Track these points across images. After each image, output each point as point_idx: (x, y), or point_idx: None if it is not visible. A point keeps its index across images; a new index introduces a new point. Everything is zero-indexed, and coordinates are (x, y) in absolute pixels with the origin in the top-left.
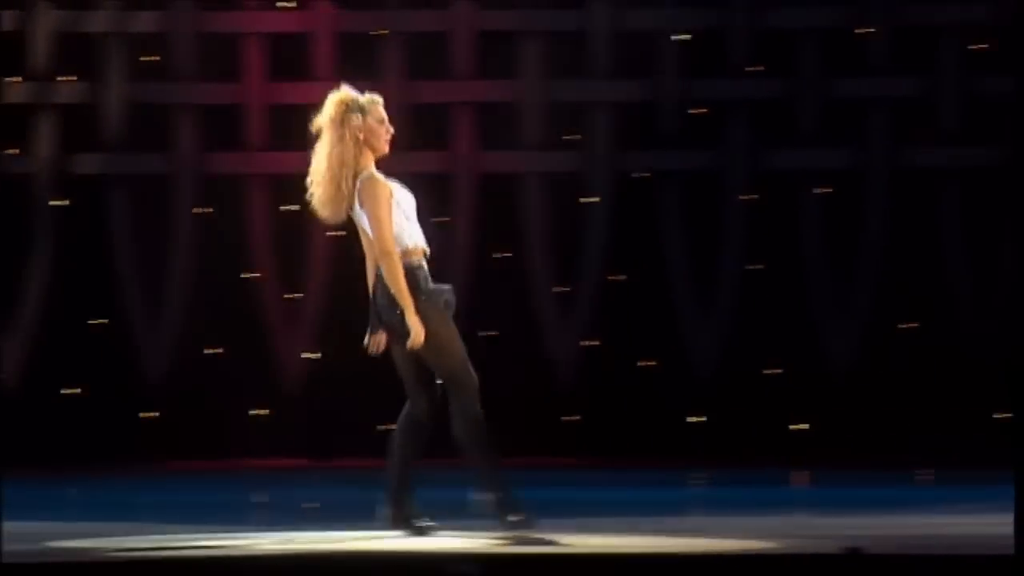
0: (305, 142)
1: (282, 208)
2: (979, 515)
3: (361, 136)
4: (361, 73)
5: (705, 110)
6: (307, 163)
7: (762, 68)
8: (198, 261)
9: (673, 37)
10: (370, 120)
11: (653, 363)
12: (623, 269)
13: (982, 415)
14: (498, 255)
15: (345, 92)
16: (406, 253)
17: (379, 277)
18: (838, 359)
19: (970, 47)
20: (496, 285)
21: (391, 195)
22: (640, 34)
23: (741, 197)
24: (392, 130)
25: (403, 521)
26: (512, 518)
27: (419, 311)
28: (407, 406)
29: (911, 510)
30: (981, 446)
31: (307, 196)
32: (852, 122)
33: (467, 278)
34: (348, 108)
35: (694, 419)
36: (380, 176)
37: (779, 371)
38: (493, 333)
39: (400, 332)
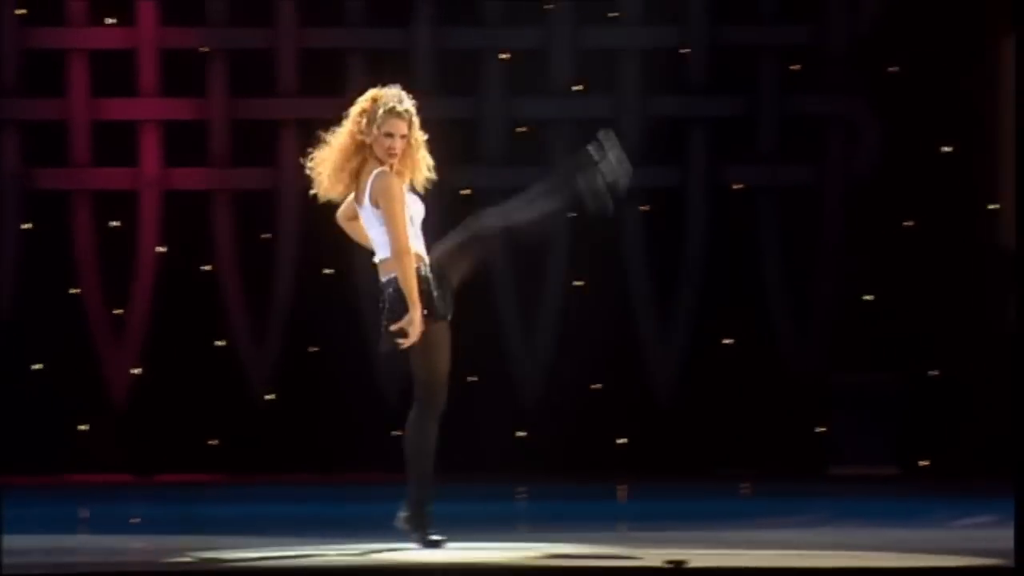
0: (130, 158)
1: (109, 224)
2: (803, 527)
3: (366, 141)
4: (185, 90)
5: (525, 128)
6: (131, 179)
7: (581, 87)
8: (23, 276)
9: (501, 56)
10: (375, 131)
11: (476, 379)
12: None
13: (802, 429)
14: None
15: (376, 92)
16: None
17: (389, 273)
18: (660, 374)
19: (789, 67)
20: (323, 299)
21: (403, 194)
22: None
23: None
24: (398, 146)
25: (418, 528)
26: (433, 536)
27: (423, 314)
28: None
29: (734, 522)
30: (801, 458)
31: (308, 170)
32: (673, 139)
33: (293, 292)
34: (365, 110)
35: (520, 434)
36: (394, 175)
37: (600, 386)
38: (316, 349)
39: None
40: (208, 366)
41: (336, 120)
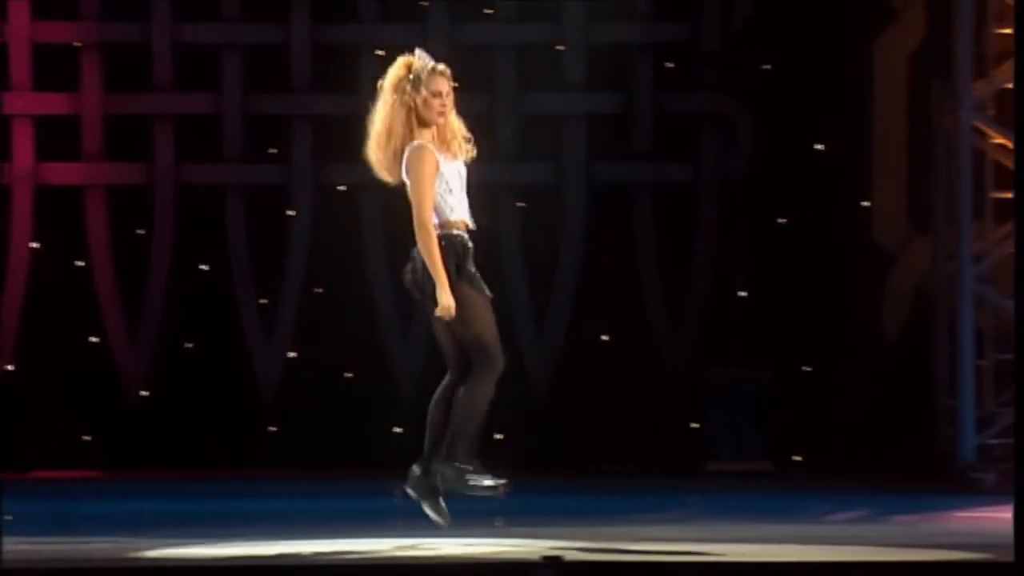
0: (2, 153)
1: None
2: (679, 522)
3: (413, 105)
4: (58, 85)
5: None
6: (3, 174)
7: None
8: None
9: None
10: (424, 91)
11: (352, 375)
12: (325, 281)
13: (677, 425)
14: (202, 267)
15: (409, 58)
16: (446, 225)
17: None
18: (537, 370)
19: (664, 65)
20: (199, 296)
21: (436, 167)
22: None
23: None
24: (448, 104)
25: (427, 490)
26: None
27: (451, 283)
28: (447, 378)
29: (610, 518)
30: (677, 455)
31: (365, 155)
32: (549, 136)
33: (167, 288)
34: (405, 76)
35: (398, 430)
36: (430, 147)
37: None
38: (190, 345)
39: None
40: (81, 362)
41: (213, 117)
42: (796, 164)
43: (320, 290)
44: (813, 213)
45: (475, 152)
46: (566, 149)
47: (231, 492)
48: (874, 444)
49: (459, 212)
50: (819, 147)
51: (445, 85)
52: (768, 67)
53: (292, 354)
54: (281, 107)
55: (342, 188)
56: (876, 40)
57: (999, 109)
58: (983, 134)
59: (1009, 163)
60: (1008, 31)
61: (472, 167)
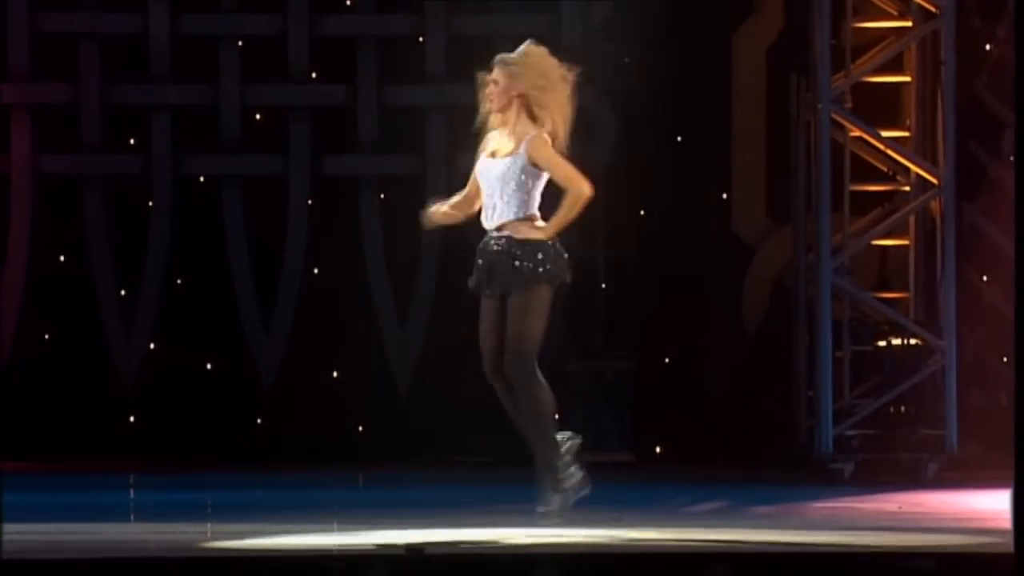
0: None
1: None
2: (533, 516)
3: None
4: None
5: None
6: None
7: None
8: None
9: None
10: None
11: (209, 367)
12: (185, 273)
13: None
14: (60, 257)
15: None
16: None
17: (508, 228)
18: (400, 362)
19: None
20: (57, 288)
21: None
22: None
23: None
24: (485, 95)
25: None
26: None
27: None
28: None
29: (467, 509)
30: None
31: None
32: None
33: (24, 280)
34: None
35: (259, 421)
36: (489, 135)
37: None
38: (49, 335)
39: (516, 281)
40: (77, 352)
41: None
42: (656, 157)
43: (180, 282)
44: (673, 205)
45: (521, 151)
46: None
47: (89, 484)
48: (734, 435)
49: (482, 214)
50: (678, 139)
51: (488, 76)
52: (627, 60)
53: (152, 346)
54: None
55: (201, 180)
56: (735, 32)
57: (857, 102)
58: (841, 127)
59: (867, 156)
60: (866, 24)
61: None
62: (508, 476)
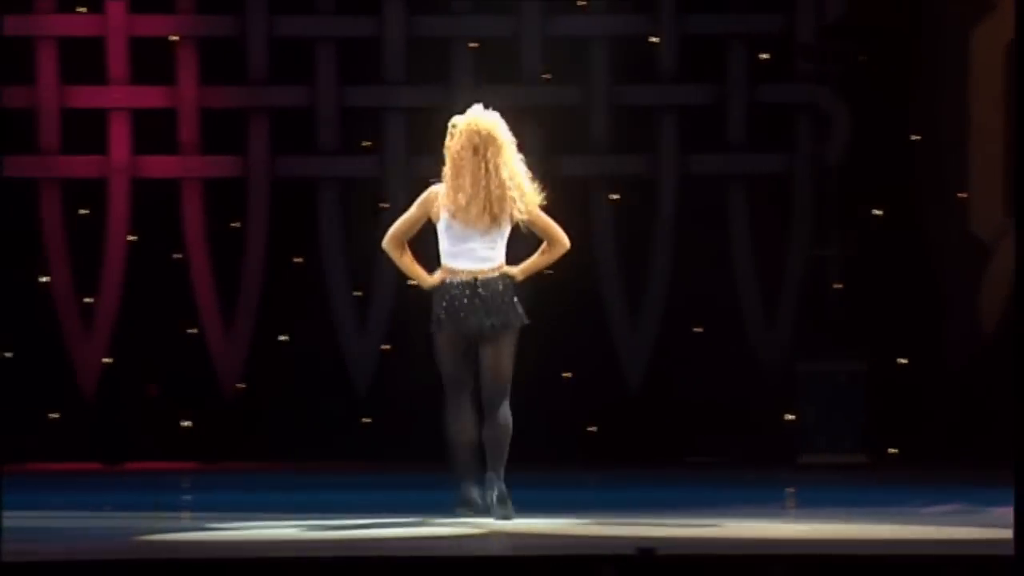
0: (99, 146)
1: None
2: (772, 516)
3: None
4: (154, 78)
5: None
6: (100, 167)
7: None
8: None
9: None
10: None
11: None
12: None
13: (770, 417)
14: (295, 259)
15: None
16: None
17: (493, 272)
18: (630, 362)
19: (757, 56)
20: (291, 289)
21: None
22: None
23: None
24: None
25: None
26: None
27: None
28: (468, 406)
29: (703, 510)
30: (770, 447)
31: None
32: (642, 128)
33: (262, 281)
34: None
35: None
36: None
37: (571, 375)
38: (288, 336)
39: (509, 323)
40: (178, 354)
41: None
42: (891, 155)
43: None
44: (908, 204)
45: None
46: (660, 141)
47: (323, 484)
48: (968, 436)
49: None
50: (915, 138)
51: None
52: (863, 57)
53: (386, 347)
54: (374, 99)
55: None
56: (973, 30)
57: None
58: None
59: None
60: None
61: (564, 160)
62: (737, 476)
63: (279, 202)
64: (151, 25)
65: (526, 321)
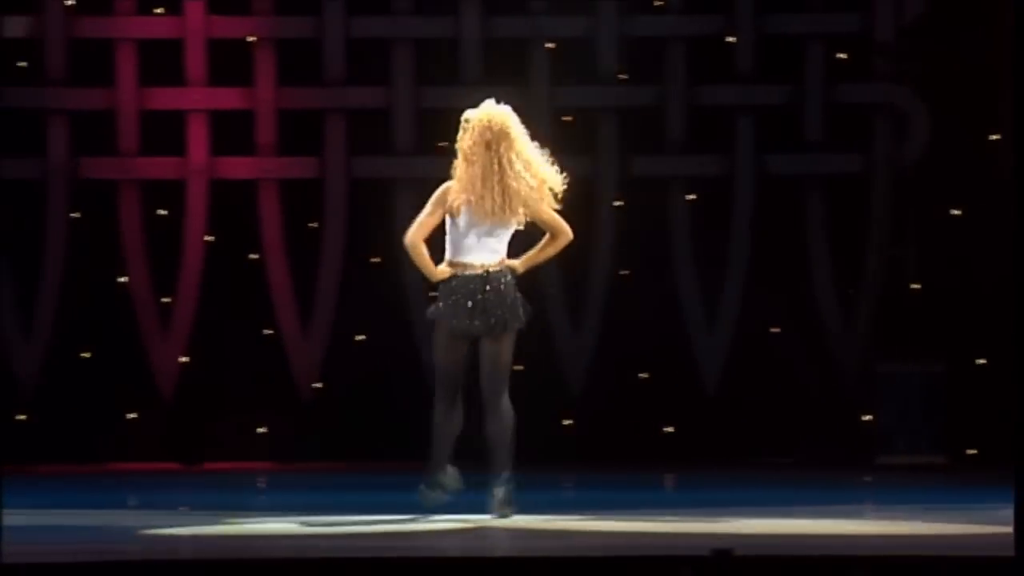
0: (178, 148)
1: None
2: (850, 516)
3: None
4: (232, 79)
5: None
6: (178, 168)
7: (627, 76)
8: (70, 265)
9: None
10: None
11: (522, 367)
12: None
13: (848, 418)
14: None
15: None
16: None
17: (498, 266)
18: (707, 363)
19: (835, 56)
20: (369, 289)
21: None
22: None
23: (613, 203)
24: None
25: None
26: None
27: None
28: (458, 405)
29: (780, 511)
30: (848, 448)
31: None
32: (719, 129)
33: (338, 280)
34: None
35: (566, 422)
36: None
37: (647, 375)
38: (363, 338)
39: (508, 325)
40: (255, 355)
41: (383, 111)
42: (970, 155)
43: None
44: (987, 204)
45: None
46: (736, 141)
47: (397, 484)
48: None
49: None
50: (994, 137)
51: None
52: (942, 56)
53: None
54: (453, 100)
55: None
56: None
57: None
58: None
59: None
60: None
61: (640, 160)
62: (817, 478)
63: (356, 202)
64: (229, 27)
65: (523, 325)
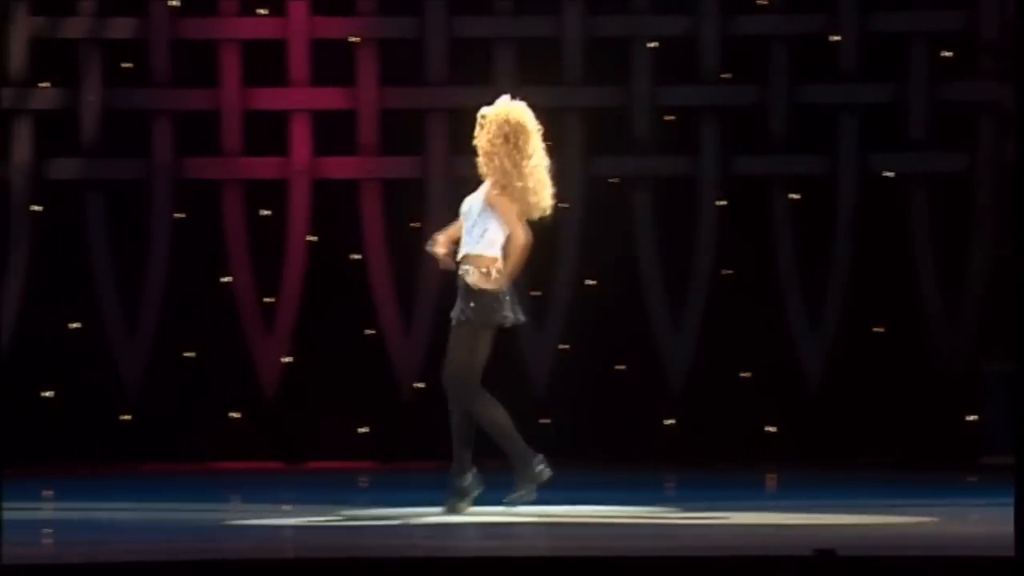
0: (281, 148)
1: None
2: (953, 517)
3: None
4: (335, 80)
5: (672, 117)
6: (282, 168)
7: (730, 75)
8: (174, 265)
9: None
10: None
11: (624, 367)
12: (594, 275)
13: (952, 418)
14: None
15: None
16: None
17: (465, 261)
18: (810, 362)
19: (940, 54)
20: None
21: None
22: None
23: (715, 203)
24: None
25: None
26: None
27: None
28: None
29: (882, 511)
30: (952, 448)
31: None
32: (822, 128)
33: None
34: None
35: (668, 422)
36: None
37: (750, 375)
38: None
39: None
40: (357, 355)
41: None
42: None
43: (593, 283)
44: None
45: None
46: (840, 140)
47: (502, 484)
48: None
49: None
50: None
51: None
52: None
53: (564, 346)
54: (554, 99)
55: (614, 180)
56: None
57: None
58: None
59: None
60: None
61: (743, 160)
62: (920, 478)
63: (458, 202)
64: (332, 27)
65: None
